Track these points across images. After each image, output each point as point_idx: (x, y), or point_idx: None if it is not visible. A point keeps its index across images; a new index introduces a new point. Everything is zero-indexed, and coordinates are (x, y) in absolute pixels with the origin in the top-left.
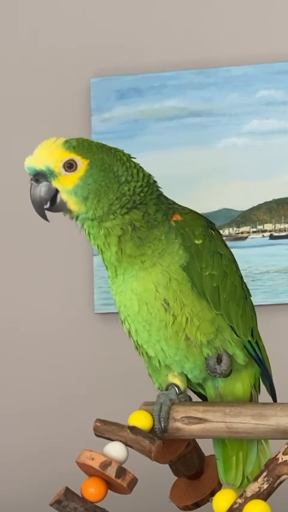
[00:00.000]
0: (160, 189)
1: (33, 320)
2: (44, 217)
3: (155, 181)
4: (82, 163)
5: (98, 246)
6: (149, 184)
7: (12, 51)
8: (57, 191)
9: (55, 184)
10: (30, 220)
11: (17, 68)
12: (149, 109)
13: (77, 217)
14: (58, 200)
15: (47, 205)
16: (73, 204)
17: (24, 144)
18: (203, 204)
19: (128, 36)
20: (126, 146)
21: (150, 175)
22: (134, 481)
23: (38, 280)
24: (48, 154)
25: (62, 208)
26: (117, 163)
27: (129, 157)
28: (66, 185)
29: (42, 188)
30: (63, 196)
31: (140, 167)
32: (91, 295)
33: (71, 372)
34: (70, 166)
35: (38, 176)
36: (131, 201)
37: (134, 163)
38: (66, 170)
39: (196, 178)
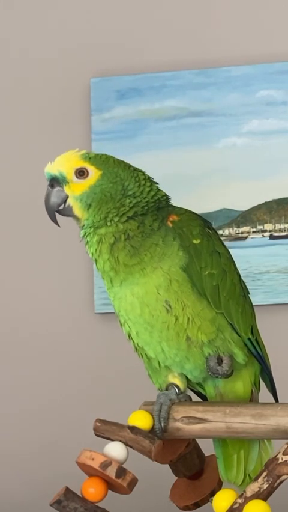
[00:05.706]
0: (170, 203)
1: (33, 320)
2: (55, 221)
3: (167, 198)
4: (94, 173)
5: (92, 254)
6: (160, 200)
7: (12, 51)
8: (67, 196)
9: (66, 190)
10: (30, 221)
11: (16, 68)
12: (149, 109)
13: (82, 226)
14: (66, 204)
15: (57, 209)
16: (77, 209)
17: (25, 144)
18: (203, 204)
19: (128, 36)
20: (126, 146)
21: (165, 194)
22: (134, 481)
23: (38, 280)
24: (64, 161)
25: (68, 212)
26: (131, 179)
27: (148, 178)
28: (75, 192)
29: (54, 193)
30: (70, 201)
31: (157, 188)
32: (91, 295)
33: (71, 372)
34: (82, 173)
35: (53, 181)
36: (130, 211)
37: (151, 183)
38: (77, 177)
39: (196, 178)
